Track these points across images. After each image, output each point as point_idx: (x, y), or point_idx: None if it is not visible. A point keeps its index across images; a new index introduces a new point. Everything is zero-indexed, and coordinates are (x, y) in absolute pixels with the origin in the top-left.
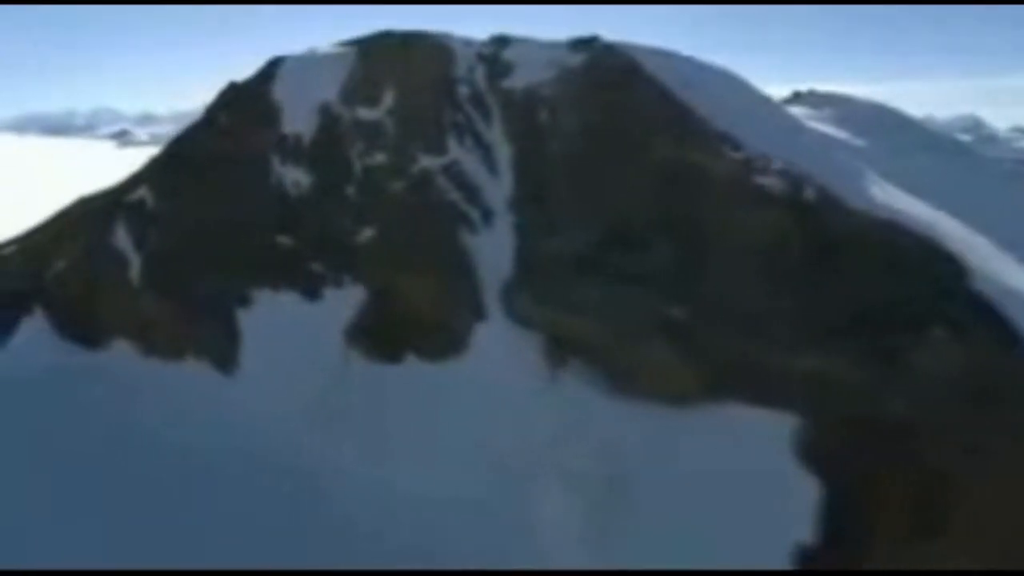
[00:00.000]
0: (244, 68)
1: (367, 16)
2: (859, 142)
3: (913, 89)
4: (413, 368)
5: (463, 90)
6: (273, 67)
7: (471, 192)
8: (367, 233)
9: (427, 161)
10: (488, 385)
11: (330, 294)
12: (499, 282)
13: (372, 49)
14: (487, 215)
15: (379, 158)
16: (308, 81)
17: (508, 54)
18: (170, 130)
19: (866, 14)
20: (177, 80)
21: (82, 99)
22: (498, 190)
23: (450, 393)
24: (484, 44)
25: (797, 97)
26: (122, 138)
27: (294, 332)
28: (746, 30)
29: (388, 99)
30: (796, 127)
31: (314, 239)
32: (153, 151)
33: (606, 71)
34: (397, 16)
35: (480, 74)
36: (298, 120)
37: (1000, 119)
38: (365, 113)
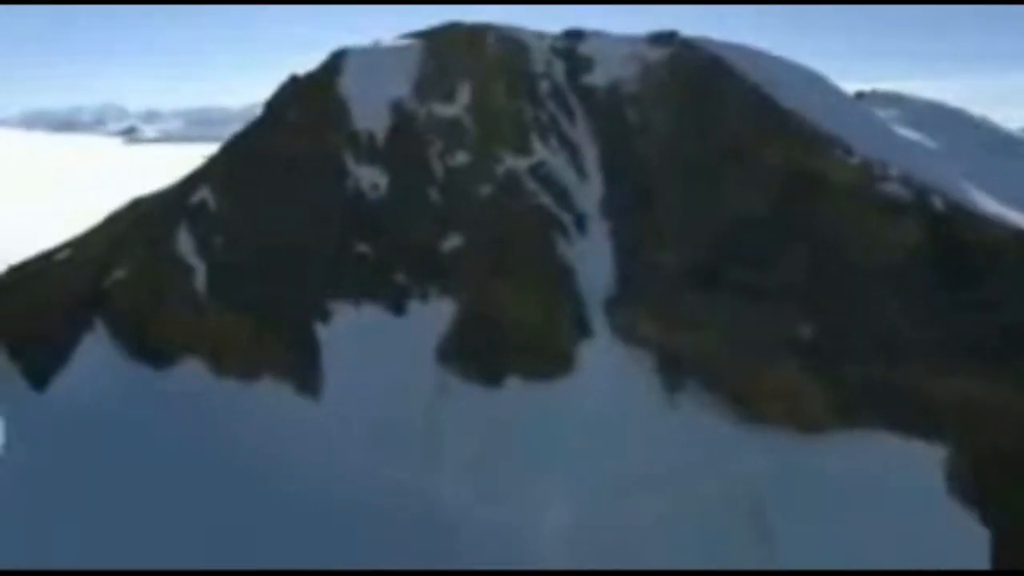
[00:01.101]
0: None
1: (387, 14)
2: (931, 144)
3: (917, 87)
4: (516, 391)
5: (543, 86)
6: (337, 60)
7: (561, 196)
8: (453, 240)
9: (512, 162)
10: (600, 409)
11: (416, 307)
12: (600, 295)
13: (441, 42)
14: (580, 221)
15: (461, 158)
16: (376, 75)
17: (584, 48)
18: (176, 127)
19: (865, 14)
20: (181, 78)
21: (88, 96)
22: (588, 194)
23: (559, 418)
24: (557, 38)
25: (860, 97)
26: (130, 135)
27: (380, 350)
28: (752, 31)
29: (464, 95)
30: (888, 129)
31: (395, 247)
32: (161, 148)
33: (693, 68)
34: (415, 14)
35: (558, 69)
36: (369, 116)
37: (1010, 120)
38: (441, 110)
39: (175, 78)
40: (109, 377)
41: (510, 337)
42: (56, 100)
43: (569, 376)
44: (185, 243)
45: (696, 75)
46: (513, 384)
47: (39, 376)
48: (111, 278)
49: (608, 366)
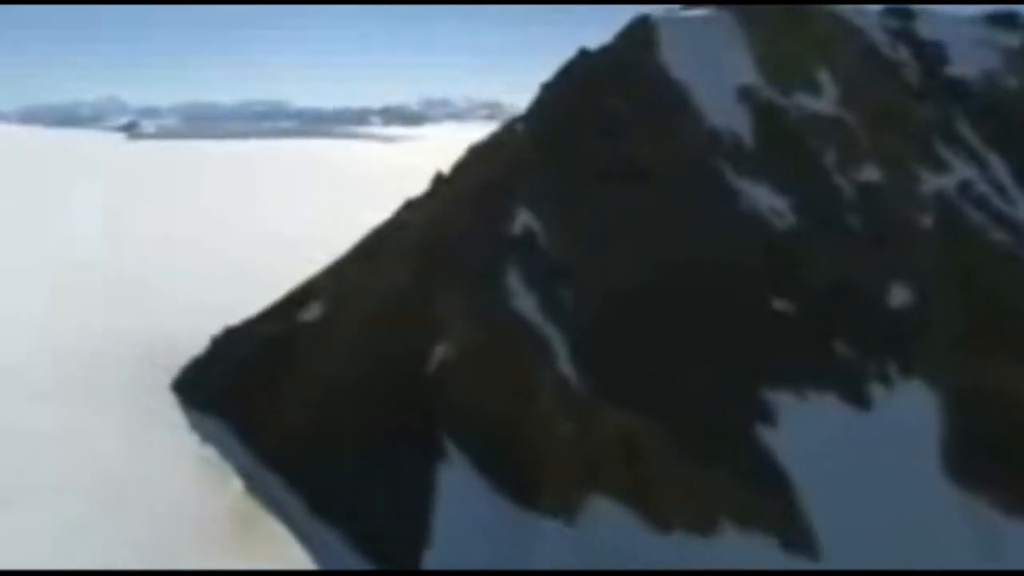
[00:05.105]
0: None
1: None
2: None
3: None
4: None
5: (907, 76)
6: (645, 30)
7: (1011, 228)
8: (900, 293)
9: (932, 179)
10: None
11: (880, 396)
12: None
13: (757, 15)
14: None
15: (868, 173)
16: (703, 52)
17: (921, 29)
18: (173, 122)
19: None
20: (176, 74)
21: (86, 91)
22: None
23: None
24: (883, 15)
25: None
26: (132, 130)
27: (859, 465)
28: None
29: (827, 84)
30: None
31: (825, 301)
32: (163, 144)
33: None
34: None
35: (904, 54)
36: (722, 110)
37: None
38: (809, 103)
39: (170, 74)
40: (497, 544)
41: None
42: (55, 96)
43: None
44: (524, 299)
45: None
46: None
47: (395, 557)
48: (433, 360)
49: None
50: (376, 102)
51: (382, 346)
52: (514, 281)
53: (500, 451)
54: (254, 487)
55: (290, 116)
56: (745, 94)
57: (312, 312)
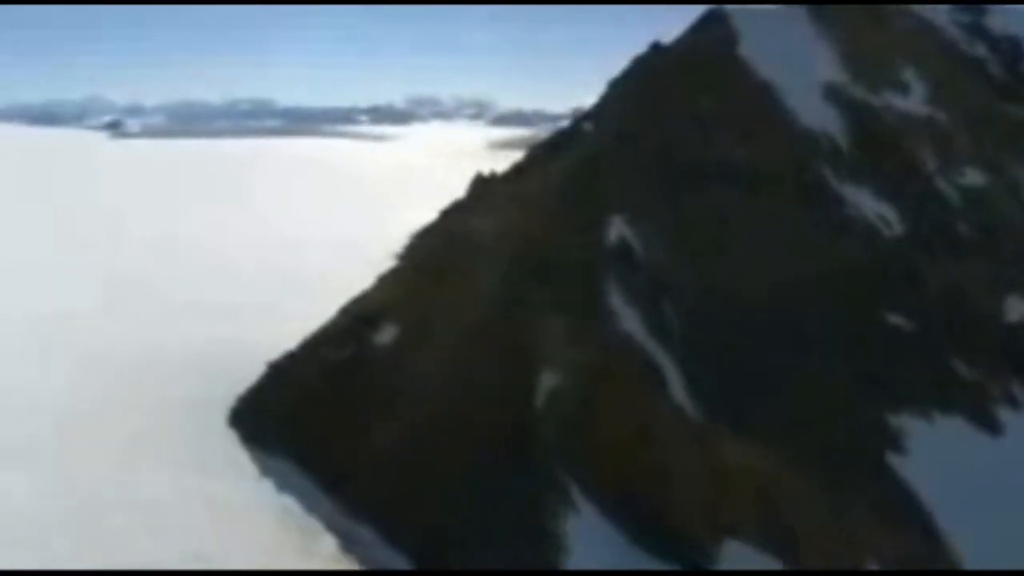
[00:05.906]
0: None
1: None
2: None
3: None
4: None
5: (992, 72)
6: (722, 26)
7: None
8: (1018, 306)
9: None
10: None
11: (1010, 420)
12: None
13: (835, 11)
14: None
15: (972, 176)
16: (785, 49)
17: (994, 23)
18: (159, 121)
19: None
20: (162, 71)
21: (73, 89)
22: None
23: None
24: (953, 12)
25: None
26: (115, 129)
27: (994, 495)
28: None
29: (915, 83)
30: None
31: (941, 315)
32: (149, 143)
33: None
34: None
35: (982, 50)
36: (810, 109)
37: None
38: (899, 102)
39: (156, 73)
40: None
41: None
42: (42, 94)
43: None
44: (627, 318)
45: None
46: None
47: None
48: (539, 391)
49: None
50: (363, 101)
51: (476, 375)
52: (615, 298)
53: (625, 494)
54: (349, 545)
55: (276, 115)
56: (832, 92)
57: (386, 334)
